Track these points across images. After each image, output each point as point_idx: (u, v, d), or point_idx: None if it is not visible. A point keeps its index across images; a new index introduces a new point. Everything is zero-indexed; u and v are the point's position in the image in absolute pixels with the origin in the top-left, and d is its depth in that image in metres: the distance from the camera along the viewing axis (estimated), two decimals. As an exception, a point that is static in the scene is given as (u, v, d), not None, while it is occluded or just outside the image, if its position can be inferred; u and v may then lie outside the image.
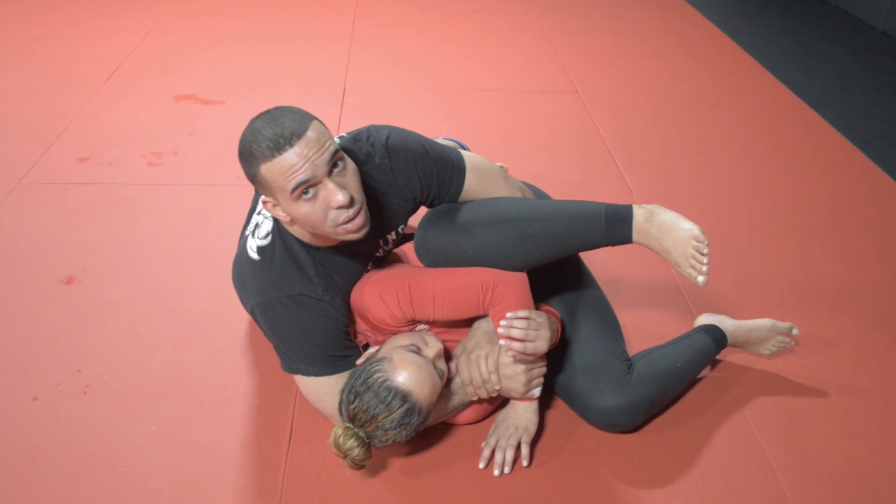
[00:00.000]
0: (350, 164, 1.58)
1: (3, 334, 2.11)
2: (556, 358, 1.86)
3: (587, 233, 1.76)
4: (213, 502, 1.66)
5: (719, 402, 1.97)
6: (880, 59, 4.35)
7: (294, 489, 1.70)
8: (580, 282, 1.97)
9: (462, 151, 1.84)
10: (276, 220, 1.73)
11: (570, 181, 2.93)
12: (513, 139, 3.24)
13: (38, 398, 1.91)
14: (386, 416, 1.57)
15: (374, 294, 1.74)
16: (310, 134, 1.50)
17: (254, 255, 1.73)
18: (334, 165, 1.54)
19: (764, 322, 2.02)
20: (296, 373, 1.74)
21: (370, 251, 1.82)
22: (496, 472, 1.73)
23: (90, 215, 2.64)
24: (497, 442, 1.76)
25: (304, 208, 1.54)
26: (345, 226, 1.57)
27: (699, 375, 2.03)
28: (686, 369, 1.91)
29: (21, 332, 2.12)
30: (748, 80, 3.95)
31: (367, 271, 1.83)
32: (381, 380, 1.59)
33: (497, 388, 1.71)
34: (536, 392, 1.75)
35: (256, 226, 1.77)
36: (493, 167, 1.88)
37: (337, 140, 1.74)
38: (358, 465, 1.62)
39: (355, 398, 1.59)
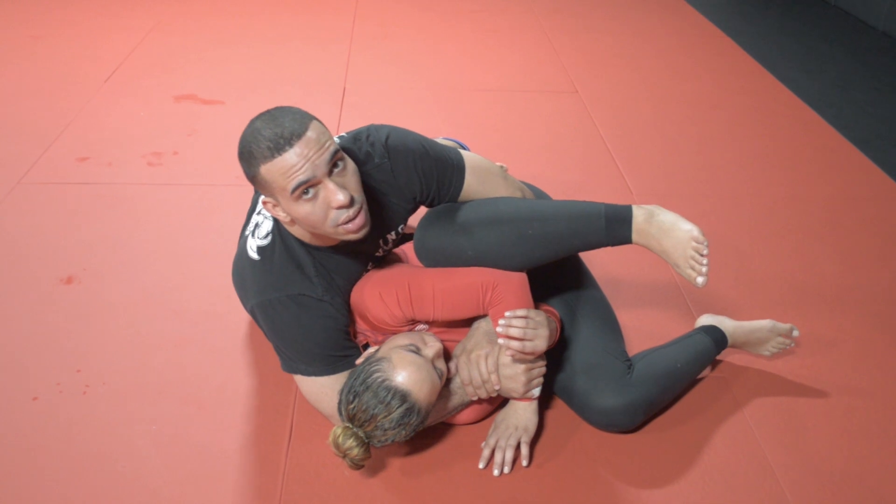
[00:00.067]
0: (350, 163, 1.58)
1: (2, 334, 2.11)
2: (555, 358, 1.86)
3: (587, 233, 1.76)
4: (213, 502, 1.66)
5: (719, 402, 1.97)
6: (880, 59, 4.35)
7: (294, 489, 1.70)
8: (580, 282, 1.97)
9: (462, 151, 1.84)
10: (276, 220, 1.73)
11: (570, 181, 2.93)
12: (513, 139, 3.24)
13: (38, 398, 1.91)
14: (385, 416, 1.57)
15: (373, 294, 1.74)
16: (310, 134, 1.50)
17: (254, 254, 1.73)
18: (334, 165, 1.54)
19: (764, 323, 2.02)
20: (296, 373, 1.74)
21: (370, 251, 1.82)
22: (496, 472, 1.73)
23: (90, 215, 2.64)
24: (497, 442, 1.76)
25: (304, 208, 1.54)
26: (345, 226, 1.57)
27: (699, 376, 2.03)
28: (686, 370, 1.91)
29: (21, 331, 2.12)
30: (748, 80, 3.96)
31: (367, 271, 1.83)
32: (380, 379, 1.59)
33: (497, 388, 1.71)
34: (536, 392, 1.75)
35: (256, 226, 1.77)
36: (492, 167, 1.88)
37: (336, 140, 1.74)
38: (357, 465, 1.62)
39: (354, 398, 1.59)
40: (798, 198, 2.91)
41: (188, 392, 1.94)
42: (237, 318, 2.18)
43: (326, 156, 1.51)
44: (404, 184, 1.75)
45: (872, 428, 1.92)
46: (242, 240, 1.81)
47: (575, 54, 4.18)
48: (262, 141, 1.50)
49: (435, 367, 1.64)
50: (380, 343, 1.76)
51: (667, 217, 1.74)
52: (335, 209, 1.54)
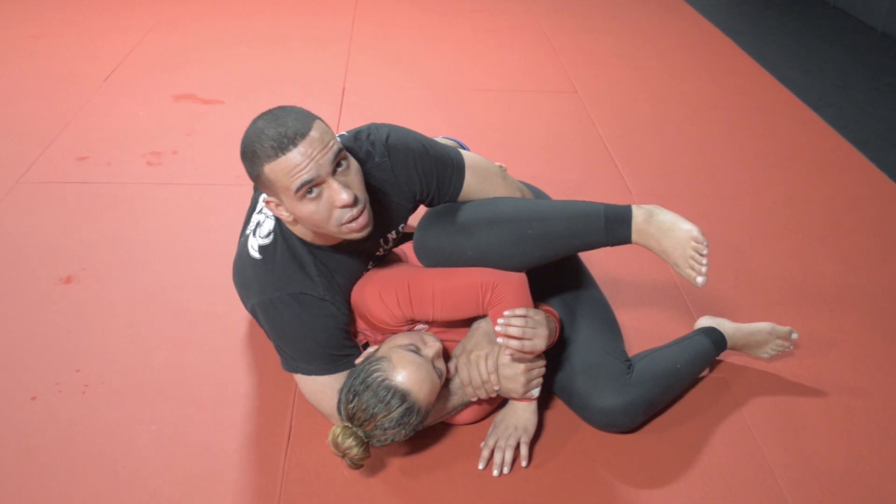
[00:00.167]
0: (353, 163, 1.58)
1: (1, 334, 2.11)
2: (555, 358, 1.86)
3: (586, 233, 1.76)
4: (213, 502, 1.66)
5: (719, 402, 1.97)
6: (880, 59, 4.35)
7: (293, 489, 1.69)
8: (580, 282, 1.97)
9: (462, 151, 1.85)
10: (277, 220, 1.73)
11: (570, 181, 2.93)
12: (513, 139, 3.24)
13: (37, 398, 1.91)
14: (384, 416, 1.57)
15: (373, 294, 1.74)
16: (313, 133, 1.50)
17: (255, 253, 1.73)
18: (338, 165, 1.54)
19: (763, 326, 2.02)
20: (296, 371, 1.75)
21: (371, 250, 1.82)
22: (495, 473, 1.73)
23: (89, 214, 2.64)
24: (496, 442, 1.76)
25: (308, 208, 1.54)
26: (349, 225, 1.57)
27: (699, 376, 2.03)
28: (686, 370, 1.91)
29: (20, 331, 2.12)
30: (748, 80, 3.96)
31: (368, 270, 1.83)
32: (379, 379, 1.59)
33: (496, 388, 1.70)
34: (536, 392, 1.75)
35: (258, 225, 1.77)
36: (492, 167, 1.88)
37: (338, 138, 1.74)
38: (356, 465, 1.62)
39: (354, 397, 1.59)
40: (798, 198, 2.91)
41: (188, 392, 1.94)
42: (237, 318, 2.18)
43: (330, 155, 1.51)
44: (404, 183, 1.75)
45: (872, 428, 1.92)
46: (243, 239, 1.81)
47: (574, 54, 4.18)
48: (266, 140, 1.50)
49: (435, 367, 1.64)
50: (380, 343, 1.76)
51: (666, 217, 1.74)
52: (339, 208, 1.55)
